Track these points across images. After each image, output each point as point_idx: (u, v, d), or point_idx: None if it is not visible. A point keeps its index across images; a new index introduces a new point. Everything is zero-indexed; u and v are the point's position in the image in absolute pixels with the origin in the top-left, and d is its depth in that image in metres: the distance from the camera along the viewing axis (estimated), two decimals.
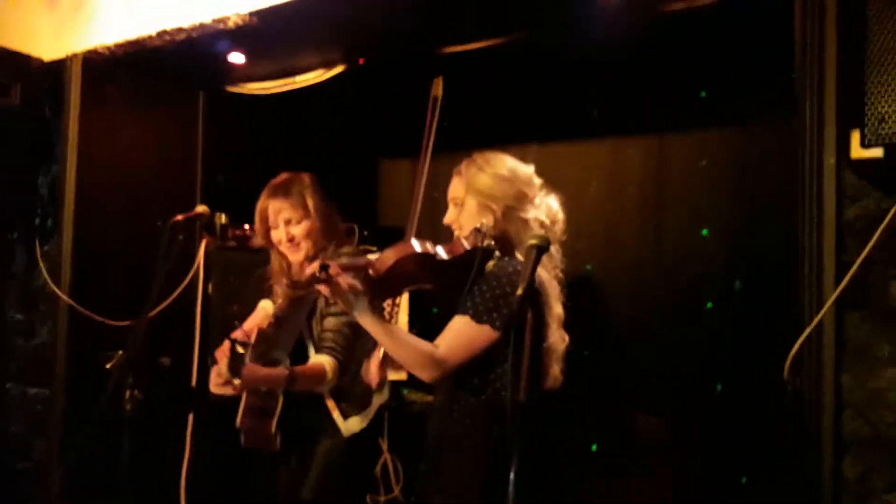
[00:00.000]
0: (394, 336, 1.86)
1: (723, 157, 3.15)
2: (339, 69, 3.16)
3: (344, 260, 1.88)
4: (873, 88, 1.35)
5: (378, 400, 2.54)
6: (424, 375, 1.88)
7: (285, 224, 2.41)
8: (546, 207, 2.04)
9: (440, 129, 3.80)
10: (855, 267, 1.65)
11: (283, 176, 2.50)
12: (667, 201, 3.31)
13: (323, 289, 1.78)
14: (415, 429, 2.31)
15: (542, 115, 3.53)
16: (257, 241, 2.54)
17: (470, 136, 3.72)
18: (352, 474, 2.50)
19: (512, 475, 1.39)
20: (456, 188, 2.02)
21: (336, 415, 2.41)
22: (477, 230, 1.90)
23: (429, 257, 1.82)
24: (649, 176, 3.35)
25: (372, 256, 3.47)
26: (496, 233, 1.96)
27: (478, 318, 1.84)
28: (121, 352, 2.22)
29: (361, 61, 3.13)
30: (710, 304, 3.12)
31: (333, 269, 1.75)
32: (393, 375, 3.52)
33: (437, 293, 2.09)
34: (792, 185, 1.78)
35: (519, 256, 1.95)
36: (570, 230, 3.40)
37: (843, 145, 1.60)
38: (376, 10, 2.62)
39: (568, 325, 3.26)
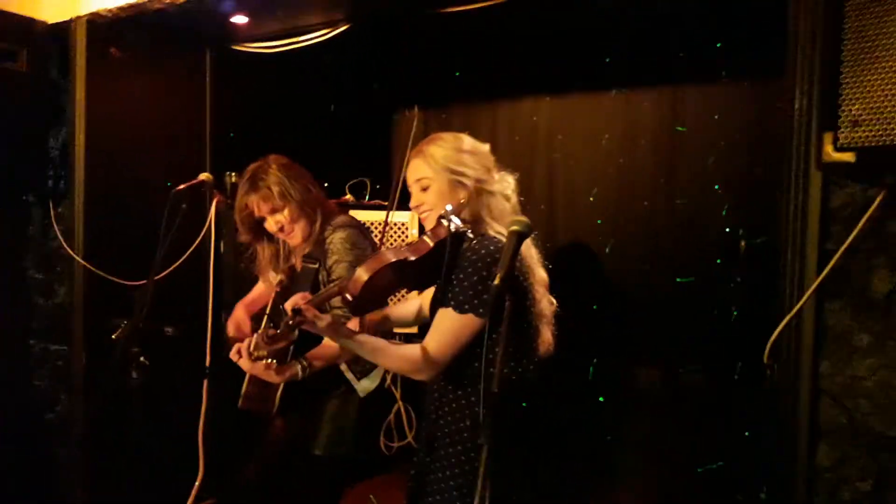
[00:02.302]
0: (381, 351, 1.87)
1: (737, 111, 3.09)
2: (343, 28, 3.12)
3: (310, 295, 1.85)
4: (848, 92, 1.31)
5: None
6: (422, 377, 1.89)
7: (270, 215, 2.45)
8: (505, 182, 2.01)
9: (452, 80, 3.80)
10: (837, 256, 1.63)
11: (250, 168, 2.51)
12: (679, 154, 3.28)
13: (307, 327, 1.79)
14: None
15: (554, 67, 3.48)
16: (241, 237, 2.58)
17: (481, 87, 3.73)
18: (365, 429, 2.61)
19: (481, 468, 1.41)
20: (420, 169, 1.96)
21: (350, 376, 2.50)
22: (440, 218, 1.86)
23: (400, 263, 1.80)
24: (663, 128, 3.31)
25: (380, 214, 3.50)
26: (469, 211, 1.93)
27: (460, 309, 1.81)
28: (125, 322, 2.29)
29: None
30: (719, 260, 3.12)
31: (308, 312, 1.76)
32: (405, 329, 3.62)
33: (420, 289, 2.11)
34: None
35: (490, 232, 1.90)
36: (583, 182, 3.45)
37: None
38: None
39: (579, 279, 3.31)
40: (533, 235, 2.01)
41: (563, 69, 3.47)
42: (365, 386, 2.52)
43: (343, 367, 2.49)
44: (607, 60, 3.36)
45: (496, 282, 1.58)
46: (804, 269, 1.68)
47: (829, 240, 1.68)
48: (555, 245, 3.51)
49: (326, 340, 2.34)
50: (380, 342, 1.89)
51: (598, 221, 3.47)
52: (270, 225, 2.50)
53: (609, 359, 3.38)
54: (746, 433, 2.83)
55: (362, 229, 2.60)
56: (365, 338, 1.88)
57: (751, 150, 3.06)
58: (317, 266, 2.47)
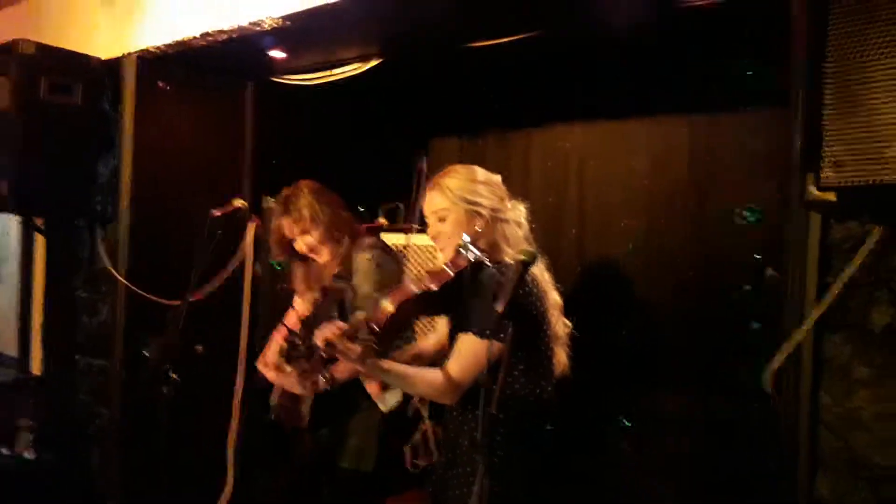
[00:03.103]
0: (407, 377, 1.93)
1: (766, 138, 3.10)
2: (374, 62, 3.25)
3: (343, 326, 1.90)
4: (830, 132, 1.36)
5: None
6: (445, 400, 1.97)
7: (300, 236, 2.59)
8: (517, 210, 2.08)
9: (488, 109, 3.89)
10: (835, 289, 1.65)
11: (283, 193, 2.66)
12: (710, 181, 3.29)
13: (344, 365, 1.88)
14: None
15: (586, 94, 3.53)
16: (275, 257, 2.73)
17: (514, 115, 3.81)
18: (389, 445, 2.67)
19: (476, 487, 1.47)
20: (437, 201, 2.03)
21: (373, 392, 2.58)
22: (458, 248, 1.93)
23: (423, 295, 1.86)
24: (692, 155, 3.34)
25: (414, 236, 3.60)
26: (485, 240, 1.99)
27: (481, 334, 1.85)
28: (157, 341, 2.43)
29: None
30: (748, 287, 3.12)
31: (339, 345, 1.82)
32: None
33: (439, 315, 2.20)
34: None
35: (507, 259, 1.96)
36: (613, 209, 3.48)
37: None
38: (403, 14, 2.69)
39: (609, 304, 3.34)
40: (545, 260, 2.09)
41: (594, 96, 3.52)
42: (388, 401, 2.59)
43: (367, 383, 2.57)
44: (637, 89, 3.41)
45: (499, 309, 1.65)
46: (804, 301, 1.71)
47: (829, 273, 1.70)
48: (585, 269, 3.55)
49: None
50: (405, 369, 1.94)
51: (629, 247, 3.50)
52: (300, 245, 2.64)
53: (636, 383, 3.39)
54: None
55: (388, 250, 2.71)
56: (391, 365, 1.93)
57: (779, 177, 3.06)
58: (344, 286, 2.59)
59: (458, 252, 1.93)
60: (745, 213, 3.11)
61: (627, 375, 3.36)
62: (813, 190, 1.40)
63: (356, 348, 1.86)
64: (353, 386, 2.56)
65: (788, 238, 1.75)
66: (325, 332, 1.87)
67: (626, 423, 3.39)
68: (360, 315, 2.47)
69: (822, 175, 1.37)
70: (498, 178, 2.10)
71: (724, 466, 3.01)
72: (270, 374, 2.45)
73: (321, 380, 2.35)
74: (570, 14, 2.79)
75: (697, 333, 3.21)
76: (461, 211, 2.00)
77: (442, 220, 2.03)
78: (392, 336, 2.03)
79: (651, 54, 3.16)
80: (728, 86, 3.10)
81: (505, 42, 2.94)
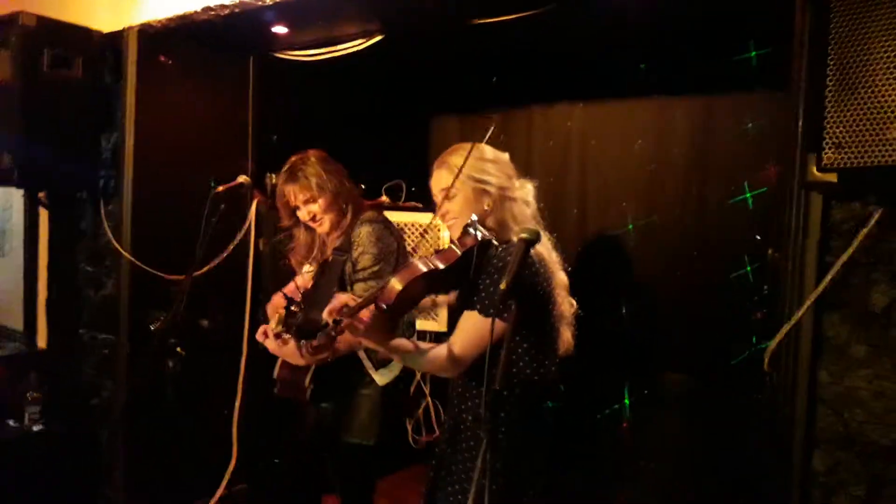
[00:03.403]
0: (411, 352, 1.95)
1: (769, 120, 3.11)
2: (377, 38, 3.24)
3: (351, 303, 1.91)
4: (831, 113, 1.37)
5: None
6: (447, 374, 2.00)
7: (304, 204, 2.60)
8: (525, 189, 2.09)
9: (488, 86, 3.89)
10: (835, 269, 1.67)
11: (291, 160, 2.67)
12: (711, 162, 3.31)
13: (344, 337, 1.88)
14: None
15: (588, 73, 3.53)
16: (284, 222, 2.73)
17: (516, 94, 3.80)
18: (388, 419, 2.70)
19: (479, 462, 1.50)
20: (445, 179, 2.03)
21: (368, 366, 2.62)
22: (466, 227, 1.94)
23: (431, 273, 1.87)
24: (695, 136, 3.35)
25: (414, 216, 3.61)
26: (494, 218, 2.01)
27: (485, 313, 1.87)
28: (162, 315, 2.46)
29: None
30: (748, 268, 3.15)
31: (346, 321, 1.83)
32: (433, 327, 3.73)
33: (446, 293, 2.22)
34: None
35: (515, 238, 1.94)
36: (614, 189, 3.50)
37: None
38: None
39: (609, 283, 3.37)
40: (553, 240, 2.11)
41: (596, 76, 3.52)
42: (382, 376, 2.63)
43: (362, 356, 2.61)
44: (642, 67, 3.41)
45: (502, 286, 1.67)
46: (804, 280, 1.73)
47: (829, 253, 1.72)
48: (586, 248, 3.57)
49: None
50: (410, 345, 1.96)
51: (629, 226, 3.52)
52: (303, 214, 2.65)
53: (636, 362, 3.42)
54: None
55: (388, 225, 2.73)
56: (398, 342, 1.95)
57: (781, 159, 3.07)
58: (344, 258, 2.62)
59: (465, 231, 1.95)
60: (746, 193, 3.13)
61: (627, 355, 3.40)
62: (814, 171, 1.41)
63: (362, 325, 1.87)
64: (354, 359, 2.60)
65: (789, 219, 1.76)
66: (334, 306, 1.89)
67: (626, 401, 3.44)
68: (365, 290, 2.50)
69: (823, 156, 1.38)
70: (506, 156, 2.11)
71: (722, 444, 3.06)
72: (270, 344, 2.46)
73: (325, 356, 2.38)
74: None
75: (698, 313, 3.25)
76: (469, 189, 2.01)
77: (450, 198, 2.03)
78: (399, 313, 2.04)
79: (653, 35, 3.15)
80: (730, 67, 3.11)
81: (507, 20, 2.93)
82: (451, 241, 1.97)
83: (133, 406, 3.14)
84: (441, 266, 1.88)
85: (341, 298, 1.94)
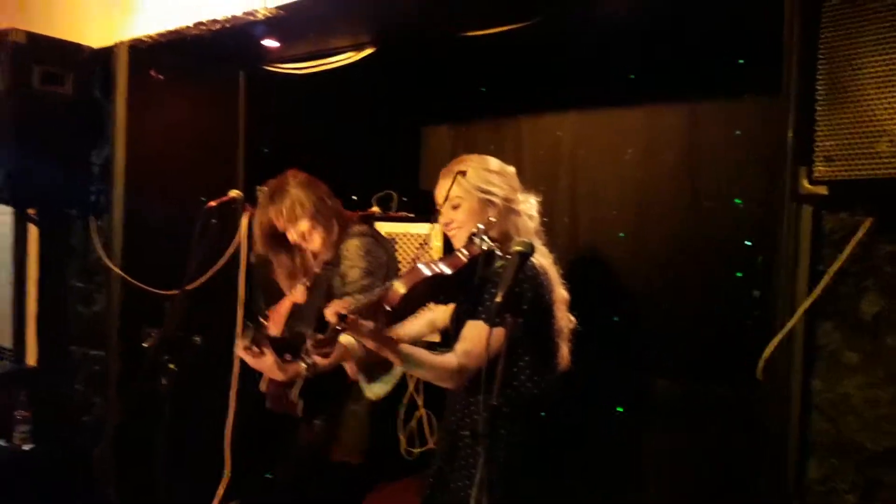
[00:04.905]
0: (414, 359, 1.89)
1: (758, 127, 3.13)
2: (368, 51, 3.25)
3: (354, 302, 1.92)
4: (822, 127, 1.39)
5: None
6: (449, 385, 1.95)
7: (292, 226, 2.61)
8: (529, 203, 2.11)
9: (479, 96, 3.91)
10: (826, 278, 1.69)
11: (270, 184, 2.69)
12: (701, 170, 3.33)
13: (350, 332, 1.83)
14: None
15: (578, 83, 3.55)
16: (256, 249, 2.74)
17: (506, 104, 3.82)
18: (376, 436, 2.70)
19: (478, 477, 1.51)
20: (451, 188, 2.06)
21: (361, 380, 2.60)
22: (472, 236, 1.96)
23: (436, 277, 1.86)
24: (684, 144, 3.37)
25: (406, 226, 3.60)
26: (497, 230, 2.02)
27: (490, 322, 1.84)
28: (153, 332, 2.45)
29: None
30: (739, 274, 3.16)
31: (350, 317, 1.78)
32: (429, 337, 3.73)
33: (446, 303, 2.22)
34: None
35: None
36: (605, 196, 3.51)
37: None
38: (397, 3, 2.70)
39: (599, 291, 3.38)
40: (553, 257, 2.12)
41: (586, 85, 3.54)
42: (375, 391, 2.61)
43: (354, 370, 2.59)
44: (631, 77, 3.43)
45: (497, 299, 1.68)
46: (796, 289, 1.75)
47: (820, 262, 1.74)
48: (577, 257, 3.58)
49: None
50: (413, 350, 1.92)
51: (620, 235, 3.53)
52: (292, 235, 2.66)
53: (628, 370, 3.43)
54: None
55: (378, 238, 2.74)
56: (404, 345, 1.91)
57: (771, 165, 3.08)
58: (332, 272, 2.62)
59: (471, 240, 1.97)
60: (737, 200, 3.15)
61: (620, 363, 3.41)
62: (805, 184, 1.44)
63: (368, 323, 1.83)
64: (343, 375, 2.58)
65: (781, 230, 1.78)
66: (336, 307, 1.88)
67: (619, 410, 3.44)
68: (372, 295, 2.50)
69: (814, 169, 1.40)
70: (512, 169, 2.13)
71: (716, 451, 3.07)
72: (248, 359, 2.46)
73: (302, 366, 2.37)
74: (564, 3, 2.80)
75: (690, 320, 3.26)
76: (475, 199, 2.05)
77: (455, 207, 2.07)
78: (402, 317, 2.01)
79: (644, 43, 3.18)
80: (721, 74, 3.13)
81: (498, 32, 2.96)
82: (458, 249, 1.98)
83: (125, 424, 3.12)
84: (448, 271, 1.89)
85: (339, 303, 1.95)
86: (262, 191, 3.49)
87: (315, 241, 2.65)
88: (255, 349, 2.34)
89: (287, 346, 2.44)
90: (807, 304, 1.69)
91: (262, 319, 2.37)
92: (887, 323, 1.68)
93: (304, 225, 2.61)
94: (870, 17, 1.39)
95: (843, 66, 1.39)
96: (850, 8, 1.44)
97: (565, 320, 2.10)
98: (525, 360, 1.97)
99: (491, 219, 2.03)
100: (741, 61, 3.08)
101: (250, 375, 3.15)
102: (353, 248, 2.59)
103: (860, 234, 1.64)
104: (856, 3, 1.44)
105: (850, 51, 1.39)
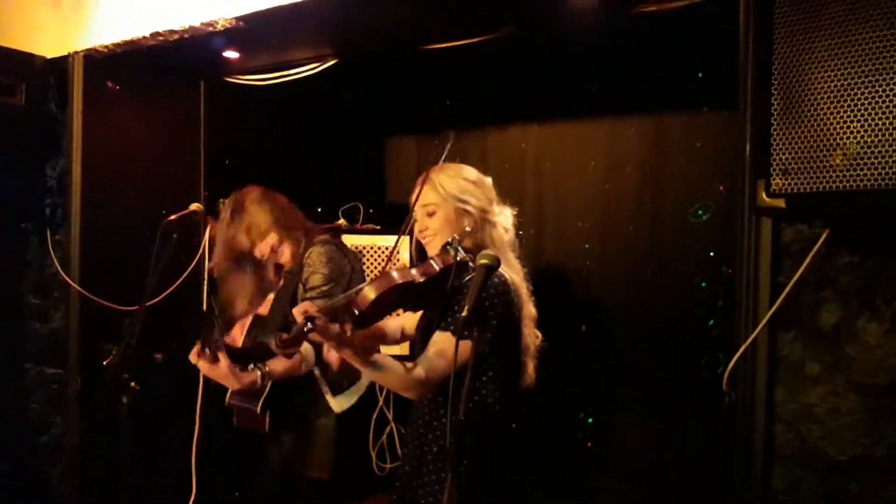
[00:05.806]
0: (378, 366, 1.84)
1: (718, 139, 3.18)
2: (330, 63, 3.23)
3: (323, 304, 1.88)
4: (778, 141, 1.41)
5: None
6: (412, 396, 1.92)
7: (258, 242, 2.59)
8: (504, 215, 2.10)
9: (443, 108, 3.91)
10: (787, 289, 1.71)
11: (229, 202, 2.67)
12: (664, 181, 3.37)
13: (314, 336, 1.77)
14: None
15: (542, 96, 3.58)
16: (219, 265, 2.70)
17: (471, 116, 3.83)
18: (344, 451, 2.65)
19: (445, 495, 1.49)
20: (427, 195, 2.04)
21: (325, 391, 2.59)
22: (446, 245, 1.94)
23: (407, 285, 1.84)
24: (647, 156, 3.41)
25: (372, 238, 3.58)
26: (473, 240, 2.01)
27: (458, 334, 1.78)
28: (115, 349, 2.38)
29: None
30: (704, 284, 3.20)
31: (319, 320, 1.73)
32: (395, 350, 3.71)
33: (415, 311, 2.19)
34: None
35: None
36: (570, 208, 3.54)
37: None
38: (358, 16, 2.69)
39: (566, 301, 3.39)
40: (525, 273, 2.11)
41: (550, 98, 3.57)
42: (340, 403, 2.60)
43: (319, 380, 2.58)
44: (593, 90, 3.47)
45: (464, 313, 1.66)
46: (758, 301, 1.77)
47: (780, 274, 1.77)
48: (543, 268, 3.60)
49: None
50: (379, 356, 1.88)
51: (586, 245, 3.56)
52: (261, 250, 2.64)
53: (595, 381, 3.45)
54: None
55: (342, 247, 2.73)
56: (367, 350, 1.87)
57: (732, 177, 3.14)
58: (296, 280, 2.61)
59: (445, 249, 1.95)
60: (699, 211, 3.20)
61: (586, 373, 3.43)
62: (763, 196, 1.45)
63: (335, 326, 1.78)
64: (309, 385, 2.57)
65: (741, 242, 1.80)
66: (304, 307, 1.84)
67: (588, 420, 3.46)
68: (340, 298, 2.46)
69: (772, 182, 1.42)
70: (489, 180, 2.12)
71: (684, 460, 3.10)
72: (202, 365, 2.40)
73: (257, 374, 2.34)
74: (526, 18, 2.81)
75: (654, 331, 3.29)
76: (451, 208, 2.03)
77: (430, 214, 2.05)
78: (369, 323, 1.98)
79: (606, 57, 3.22)
80: (681, 89, 3.18)
81: (460, 45, 2.96)
82: (431, 258, 1.96)
83: (85, 443, 3.03)
84: (419, 279, 1.86)
85: (308, 304, 1.92)
86: (225, 205, 3.48)
87: (285, 253, 2.64)
88: (208, 353, 2.28)
89: (246, 356, 2.40)
90: (768, 315, 1.71)
91: (217, 323, 2.31)
92: (846, 333, 1.71)
93: (272, 238, 2.61)
94: (822, 33, 1.40)
95: (797, 80, 1.41)
96: (803, 23, 1.45)
97: (532, 337, 2.09)
98: (489, 374, 1.95)
99: (466, 228, 2.02)
100: (700, 75, 3.14)
101: (217, 392, 3.10)
102: (315, 254, 2.58)
103: (818, 245, 1.67)
104: (808, 18, 1.45)
105: (803, 65, 1.41)
